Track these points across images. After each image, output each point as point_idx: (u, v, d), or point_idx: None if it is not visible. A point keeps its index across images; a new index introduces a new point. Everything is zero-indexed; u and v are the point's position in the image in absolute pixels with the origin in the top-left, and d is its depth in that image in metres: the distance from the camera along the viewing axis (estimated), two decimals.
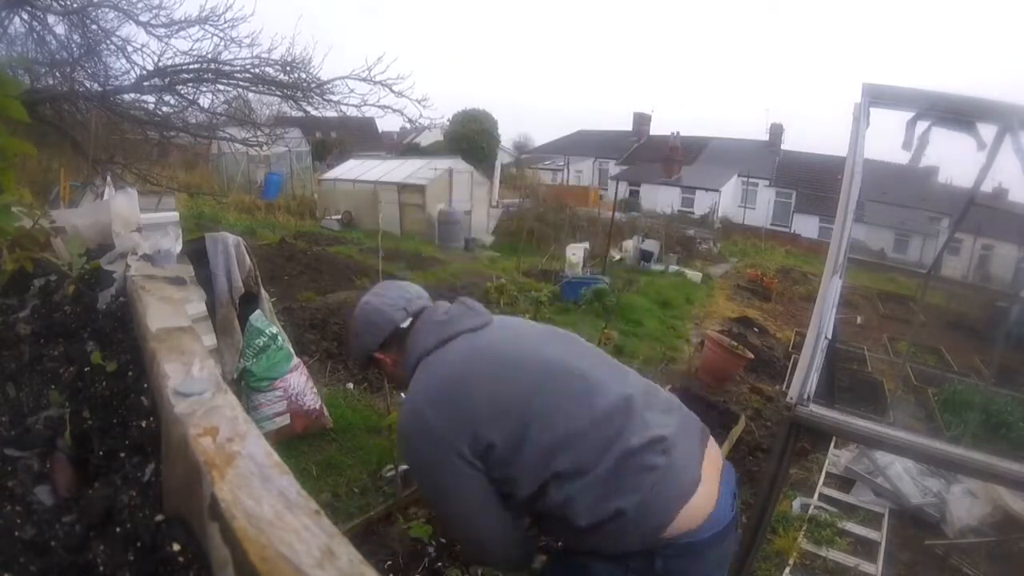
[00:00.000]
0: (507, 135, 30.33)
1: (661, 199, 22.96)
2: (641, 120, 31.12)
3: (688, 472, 1.14)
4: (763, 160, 25.34)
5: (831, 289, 1.96)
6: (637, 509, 1.07)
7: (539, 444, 1.09)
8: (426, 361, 1.21)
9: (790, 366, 5.54)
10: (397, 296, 1.33)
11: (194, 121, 7.11)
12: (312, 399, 3.15)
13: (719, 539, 1.13)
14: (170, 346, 0.73)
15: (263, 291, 3.24)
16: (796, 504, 3.20)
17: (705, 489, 1.15)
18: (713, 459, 1.23)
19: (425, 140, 26.19)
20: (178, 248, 1.66)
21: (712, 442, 1.28)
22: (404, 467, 2.83)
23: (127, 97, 6.68)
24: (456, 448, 1.08)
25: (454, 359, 1.19)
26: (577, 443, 1.10)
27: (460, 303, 1.33)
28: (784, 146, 26.47)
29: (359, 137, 24.56)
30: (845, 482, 3.54)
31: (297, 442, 3.07)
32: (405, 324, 1.29)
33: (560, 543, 1.27)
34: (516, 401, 1.12)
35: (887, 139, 2.52)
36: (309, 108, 7.27)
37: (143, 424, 0.71)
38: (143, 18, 6.15)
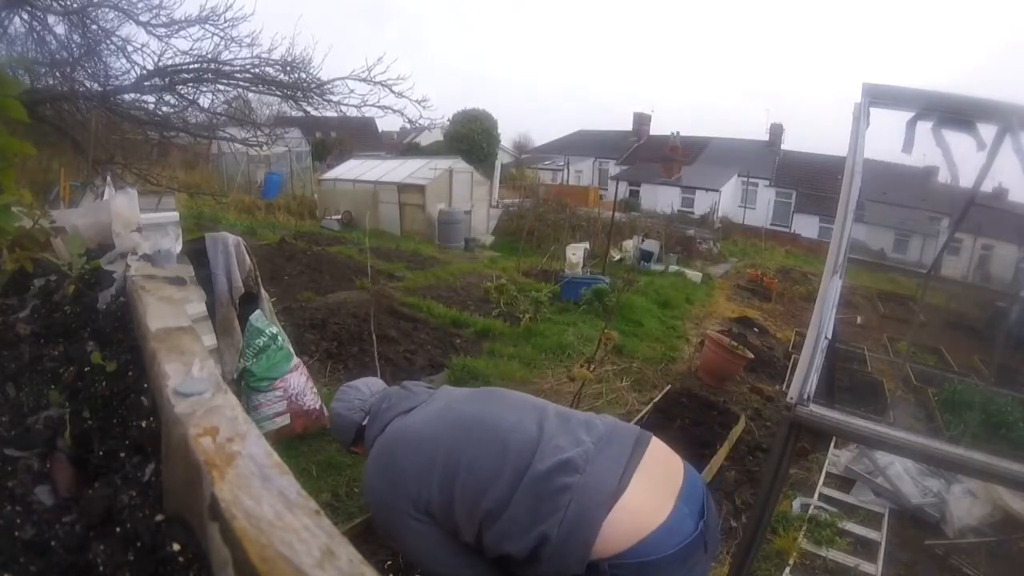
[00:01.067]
0: (507, 135, 30.35)
1: (661, 199, 22.96)
2: (641, 120, 31.11)
3: (607, 484, 1.15)
4: (763, 160, 25.34)
5: (831, 289, 1.96)
6: (560, 529, 1.13)
7: (466, 491, 1.24)
8: (374, 445, 1.43)
9: (790, 366, 5.54)
10: (353, 399, 1.57)
11: (194, 121, 7.11)
12: (312, 399, 3.15)
13: (676, 559, 1.11)
14: (170, 346, 0.73)
15: (263, 291, 3.24)
16: (796, 504, 3.20)
17: (647, 501, 1.14)
18: (663, 470, 1.23)
19: (425, 140, 26.19)
20: (178, 248, 1.66)
21: (663, 454, 1.27)
22: None
23: (127, 97, 6.68)
24: (402, 508, 1.28)
25: (388, 439, 1.40)
26: (496, 482, 1.21)
27: (401, 387, 1.58)
28: (784, 146, 26.47)
29: (359, 137, 24.56)
30: (845, 482, 3.54)
31: (297, 442, 3.07)
32: (364, 422, 1.52)
33: None
34: (440, 461, 1.28)
35: (887, 139, 2.52)
36: (309, 108, 7.26)
37: (143, 424, 0.71)
38: (143, 18, 6.15)
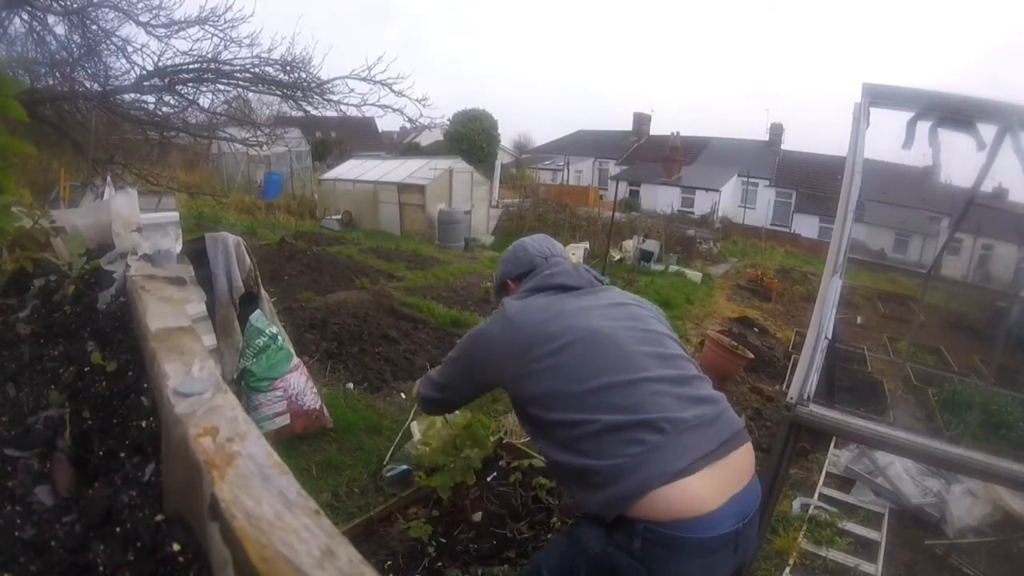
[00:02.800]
0: (507, 135, 30.36)
1: (661, 199, 22.96)
2: (641, 120, 31.12)
3: (678, 460, 1.15)
4: (763, 160, 25.34)
5: (831, 289, 1.96)
6: (611, 470, 1.16)
7: (563, 384, 1.26)
8: (523, 297, 1.50)
9: (790, 366, 5.54)
10: (546, 247, 1.65)
11: (194, 121, 7.11)
12: (312, 399, 3.15)
13: (704, 549, 1.13)
14: (170, 346, 0.73)
15: (263, 291, 3.24)
16: (796, 504, 3.20)
17: (701, 488, 1.14)
18: (733, 473, 1.23)
19: (425, 140, 26.20)
20: (178, 248, 1.66)
21: (743, 460, 1.28)
22: (403, 468, 2.84)
23: (127, 97, 6.68)
24: (505, 351, 1.37)
25: (542, 300, 1.47)
26: (593, 392, 1.24)
27: (577, 267, 1.59)
28: (784, 146, 26.47)
29: (359, 137, 24.56)
30: (845, 482, 3.53)
31: (297, 442, 3.07)
32: (541, 267, 1.58)
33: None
34: (558, 345, 1.29)
35: (887, 139, 2.52)
36: (309, 108, 7.26)
37: (143, 424, 0.71)
38: (143, 18, 6.16)
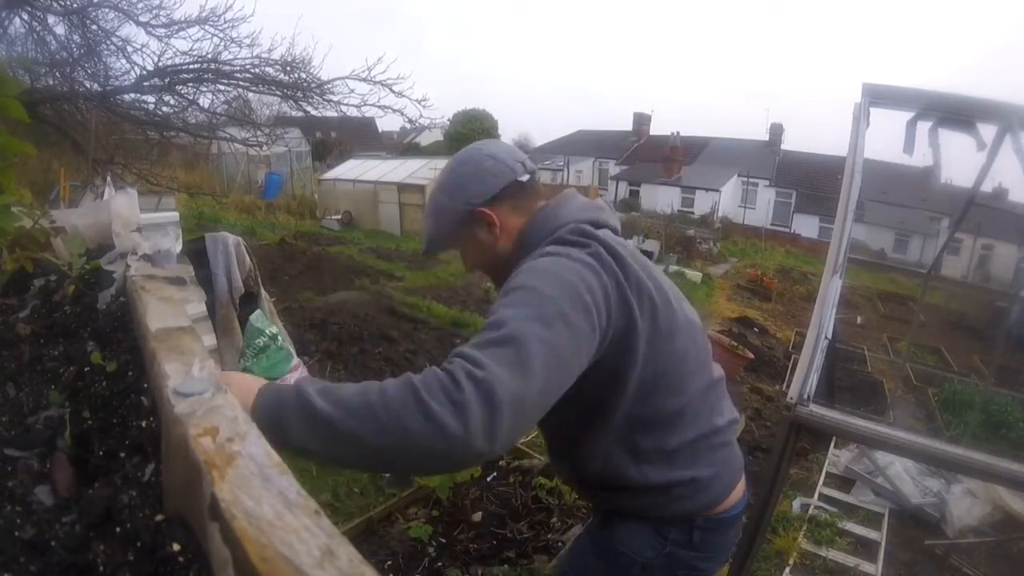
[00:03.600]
0: (507, 135, 30.41)
1: (661, 199, 22.97)
2: (641, 120, 31.12)
3: (741, 456, 1.24)
4: (763, 160, 25.34)
5: (831, 289, 1.96)
6: (707, 480, 1.11)
7: (662, 378, 1.01)
8: (566, 230, 1.00)
9: (790, 366, 5.54)
10: (509, 149, 1.11)
11: (194, 121, 7.11)
12: None
13: (738, 518, 1.24)
14: (170, 346, 0.72)
15: (263, 291, 3.23)
16: (796, 504, 3.20)
17: (740, 475, 1.25)
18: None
19: (425, 140, 26.23)
20: (178, 248, 1.66)
21: None
22: None
23: (127, 97, 6.68)
24: (607, 289, 0.91)
25: (610, 241, 0.99)
26: (687, 398, 1.05)
27: (603, 201, 1.19)
28: (784, 146, 26.48)
29: (359, 137, 24.58)
30: (845, 482, 3.54)
31: None
32: (523, 178, 1.07)
33: (602, 504, 1.22)
34: (666, 325, 0.99)
35: (887, 139, 2.52)
36: (309, 108, 7.26)
37: (143, 424, 0.71)
38: (143, 18, 6.16)
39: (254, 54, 6.50)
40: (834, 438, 3.61)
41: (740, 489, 1.22)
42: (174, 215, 2.28)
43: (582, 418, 1.03)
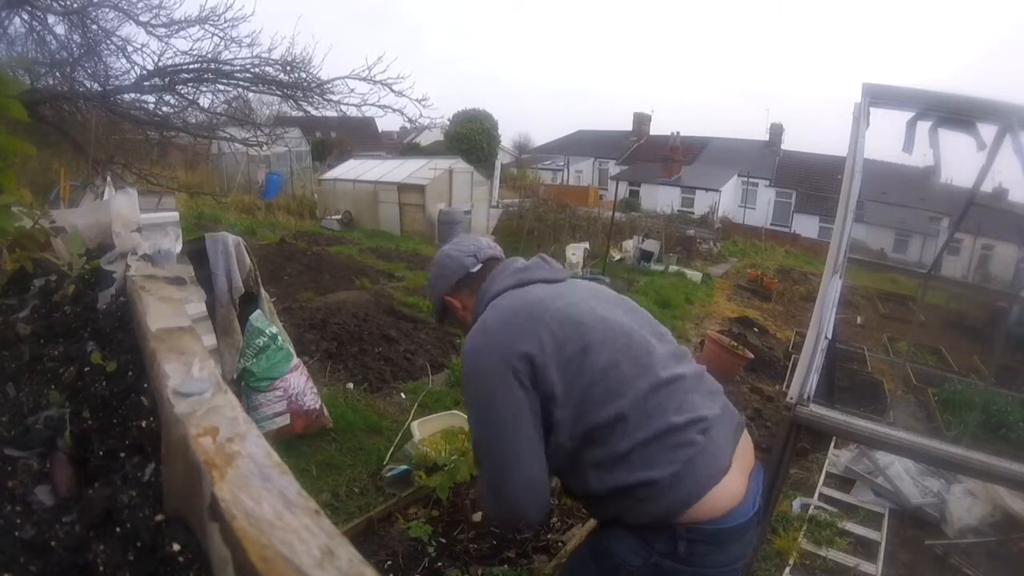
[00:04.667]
0: (507, 135, 30.34)
1: (661, 199, 22.96)
2: (641, 120, 31.12)
3: (722, 457, 1.17)
4: (763, 160, 25.34)
5: (831, 289, 1.96)
6: (670, 480, 1.10)
7: (590, 393, 1.12)
8: (499, 297, 1.27)
9: (790, 366, 5.54)
10: (469, 244, 1.43)
11: (194, 121, 7.10)
12: (312, 399, 3.15)
13: (741, 532, 1.16)
14: (170, 346, 0.73)
15: (263, 291, 3.24)
16: (796, 504, 3.20)
17: (735, 479, 1.17)
18: (746, 453, 1.26)
19: (425, 140, 26.19)
20: (178, 248, 1.66)
21: (746, 437, 1.31)
22: (403, 468, 2.84)
23: (127, 97, 6.67)
24: (512, 364, 1.12)
25: (527, 297, 1.24)
26: (626, 402, 1.12)
27: (539, 257, 1.43)
28: (784, 146, 26.49)
29: (359, 137, 24.57)
30: (845, 482, 3.54)
31: (297, 442, 3.07)
32: (474, 269, 1.37)
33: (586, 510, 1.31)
34: (576, 348, 1.14)
35: (887, 139, 2.52)
36: (309, 108, 7.25)
37: (143, 424, 0.71)
38: (143, 18, 6.15)
39: (254, 54, 6.50)
40: (834, 438, 3.61)
41: (730, 497, 1.14)
42: (174, 215, 2.27)
43: (546, 445, 1.17)
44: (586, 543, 1.33)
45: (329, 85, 6.82)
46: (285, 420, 3.03)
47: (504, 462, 1.14)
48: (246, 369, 2.93)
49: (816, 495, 3.31)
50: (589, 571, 1.24)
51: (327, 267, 7.56)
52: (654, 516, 1.12)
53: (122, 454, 0.69)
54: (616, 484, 1.12)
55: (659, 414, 1.13)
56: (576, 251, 9.03)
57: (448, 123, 21.59)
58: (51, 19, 6.06)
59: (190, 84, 6.58)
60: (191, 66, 6.48)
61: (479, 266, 1.38)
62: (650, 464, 1.11)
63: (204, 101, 6.79)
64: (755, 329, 7.45)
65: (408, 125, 10.81)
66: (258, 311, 3.07)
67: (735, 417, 1.30)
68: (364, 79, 6.64)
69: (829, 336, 1.93)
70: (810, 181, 23.48)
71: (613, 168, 28.82)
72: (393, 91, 6.77)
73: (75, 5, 6.02)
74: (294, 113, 8.48)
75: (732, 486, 1.15)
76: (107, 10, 6.13)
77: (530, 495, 1.14)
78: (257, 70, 6.60)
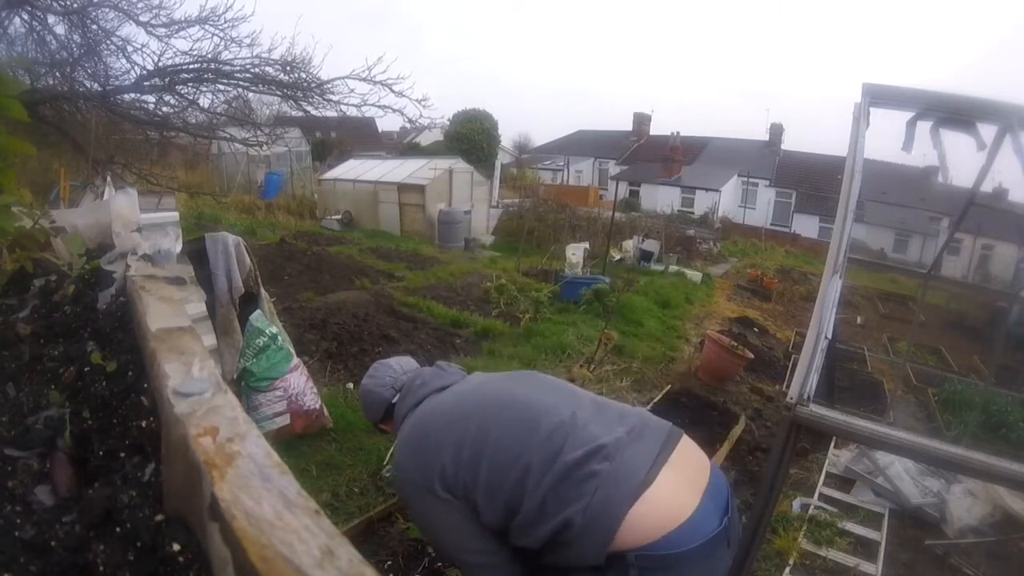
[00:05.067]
0: (507, 135, 30.30)
1: (661, 199, 22.95)
2: (641, 120, 31.10)
3: (635, 475, 1.15)
4: (763, 160, 25.33)
5: (831, 289, 1.96)
6: (584, 515, 1.13)
7: (493, 469, 1.23)
8: (404, 422, 1.45)
9: (790, 366, 5.54)
10: (384, 375, 1.61)
11: (194, 121, 7.10)
12: (312, 399, 3.15)
13: (701, 554, 1.11)
14: (170, 346, 0.73)
15: (263, 291, 3.24)
16: (796, 504, 3.20)
17: (668, 494, 1.14)
18: (691, 468, 1.23)
19: (425, 140, 26.17)
20: (178, 248, 1.66)
21: (692, 451, 1.28)
22: None
23: (127, 97, 6.67)
24: (427, 486, 1.27)
25: (420, 416, 1.42)
26: (523, 463, 1.21)
27: (436, 367, 1.60)
28: (784, 146, 26.46)
29: (359, 137, 24.55)
30: (845, 482, 3.54)
31: (297, 442, 3.07)
32: (395, 400, 1.55)
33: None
34: (470, 437, 1.28)
35: (887, 139, 2.52)
36: (309, 108, 7.25)
37: (143, 424, 0.71)
38: (143, 18, 6.15)
39: (254, 54, 6.50)
40: (834, 438, 3.61)
41: (665, 515, 1.11)
42: (174, 215, 2.27)
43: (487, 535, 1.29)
44: None
45: (329, 85, 6.82)
46: (285, 420, 3.03)
47: (458, 560, 1.34)
48: (246, 369, 2.93)
49: (816, 495, 3.31)
50: None
51: (327, 267, 7.56)
52: (585, 554, 1.13)
53: (122, 454, 0.69)
54: (542, 536, 1.18)
55: (557, 455, 1.20)
56: (576, 251, 9.02)
57: (448, 123, 21.58)
58: (51, 19, 6.07)
59: (190, 84, 6.58)
60: (191, 66, 6.48)
61: (397, 395, 1.55)
62: (563, 505, 1.16)
63: (204, 101, 6.79)
64: (755, 329, 7.45)
65: (408, 125, 10.82)
66: (258, 311, 3.07)
67: (661, 432, 1.28)
68: (364, 79, 6.64)
69: (829, 336, 1.93)
70: (810, 181, 23.47)
71: (613, 168, 28.81)
72: (393, 91, 6.76)
73: (75, 5, 6.02)
74: (294, 113, 8.47)
75: (663, 503, 1.13)
76: (107, 10, 6.13)
77: (484, 570, 1.27)
78: (257, 70, 6.60)
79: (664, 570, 1.10)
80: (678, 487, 1.16)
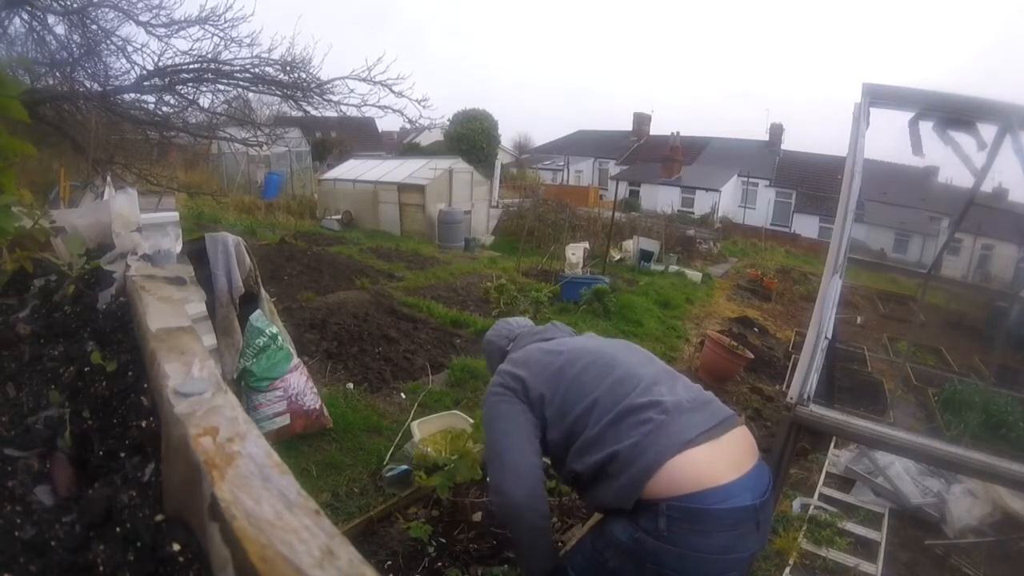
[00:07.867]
0: (507, 135, 30.32)
1: (661, 199, 22.95)
2: (641, 120, 31.11)
3: (684, 433, 1.28)
4: (763, 160, 25.34)
5: (831, 289, 1.96)
6: (631, 451, 1.27)
7: (567, 396, 1.45)
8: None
9: (790, 366, 5.54)
10: (502, 328, 1.91)
11: (194, 121, 7.11)
12: (312, 399, 3.15)
13: (729, 520, 1.19)
14: (170, 346, 0.73)
15: (263, 291, 3.24)
16: (796, 504, 3.20)
17: (707, 458, 1.24)
18: (738, 451, 1.32)
19: (425, 140, 26.18)
20: (178, 248, 1.66)
21: (744, 439, 1.37)
22: (403, 468, 2.84)
23: (127, 97, 6.68)
24: (514, 388, 1.52)
25: (526, 351, 1.68)
26: (594, 395, 1.42)
27: (550, 324, 1.88)
28: (784, 146, 26.47)
29: (359, 137, 24.57)
30: (845, 482, 3.53)
31: (297, 442, 3.07)
32: (508, 347, 1.81)
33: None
34: (554, 367, 1.53)
35: (887, 139, 2.52)
36: (309, 108, 7.26)
37: (143, 424, 0.71)
38: (143, 18, 6.16)
39: (254, 54, 6.51)
40: (834, 438, 3.61)
41: (699, 473, 1.21)
42: (174, 215, 2.28)
43: (544, 444, 1.50)
44: (590, 531, 1.57)
45: (329, 85, 6.83)
46: (285, 420, 3.03)
47: (492, 454, 1.49)
48: (246, 369, 2.93)
49: (816, 495, 3.31)
50: (586, 550, 1.43)
51: (327, 267, 7.56)
52: (622, 487, 1.25)
53: (122, 454, 0.69)
54: (592, 462, 1.34)
55: (623, 397, 1.38)
56: (576, 251, 9.02)
57: (448, 123, 21.58)
58: (51, 19, 6.08)
59: (190, 84, 6.59)
60: (191, 66, 6.49)
61: (511, 344, 1.83)
62: (616, 439, 1.32)
63: (204, 101, 6.81)
64: (755, 329, 7.45)
65: (408, 125, 10.82)
66: (258, 311, 3.07)
67: (721, 413, 1.39)
68: (364, 79, 6.66)
69: (829, 336, 1.93)
70: (810, 181, 23.48)
71: (613, 168, 28.81)
72: (393, 92, 6.78)
73: (75, 5, 6.03)
74: (294, 113, 8.48)
75: (701, 463, 1.22)
76: (107, 10, 6.14)
77: (513, 478, 1.40)
78: (257, 70, 6.60)
79: (692, 523, 1.18)
80: (720, 459, 1.26)
